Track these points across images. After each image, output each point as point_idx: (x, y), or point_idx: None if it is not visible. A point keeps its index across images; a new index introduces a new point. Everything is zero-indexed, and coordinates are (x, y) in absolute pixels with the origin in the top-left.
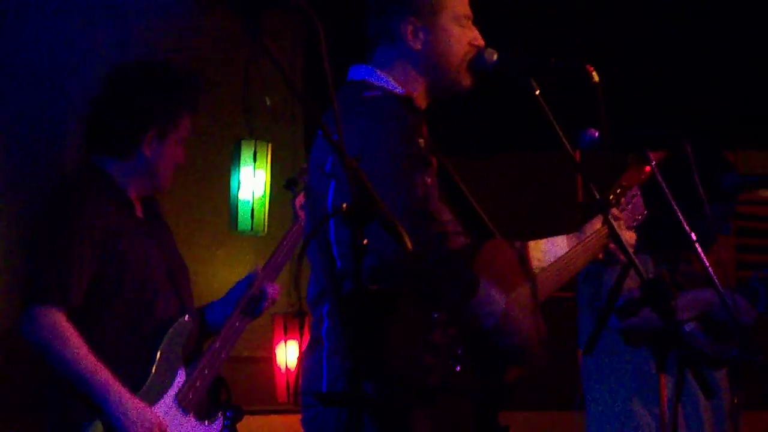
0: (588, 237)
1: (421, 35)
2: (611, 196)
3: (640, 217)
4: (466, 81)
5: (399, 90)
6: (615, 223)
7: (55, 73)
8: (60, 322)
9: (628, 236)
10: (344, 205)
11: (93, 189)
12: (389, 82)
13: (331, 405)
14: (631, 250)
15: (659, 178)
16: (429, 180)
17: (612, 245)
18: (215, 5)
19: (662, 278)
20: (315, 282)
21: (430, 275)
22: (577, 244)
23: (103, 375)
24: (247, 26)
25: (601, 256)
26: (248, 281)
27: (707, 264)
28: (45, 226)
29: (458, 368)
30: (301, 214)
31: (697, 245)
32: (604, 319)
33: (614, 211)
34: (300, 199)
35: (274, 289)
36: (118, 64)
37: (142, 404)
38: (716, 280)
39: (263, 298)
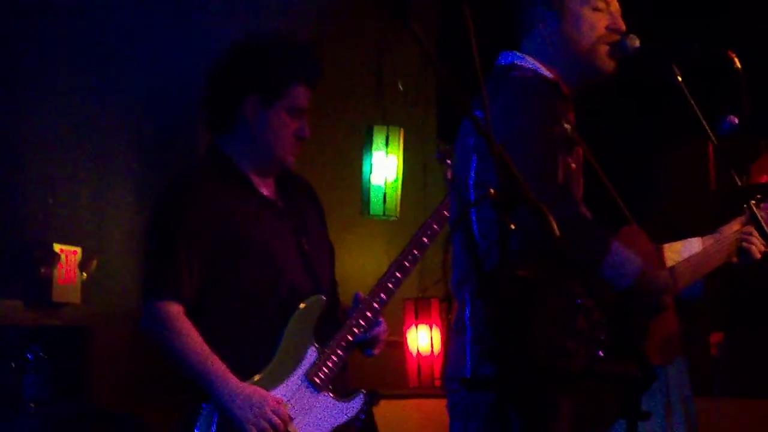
0: (724, 237)
1: (550, 22)
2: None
3: None
4: (607, 66)
5: (547, 74)
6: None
7: (188, 59)
8: (172, 315)
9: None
10: (491, 191)
11: (205, 175)
12: (538, 66)
13: (475, 390)
14: None
15: None
16: (573, 165)
17: (745, 244)
18: None
19: None
20: (456, 267)
21: (563, 238)
22: (713, 244)
23: (211, 365)
24: (395, 10)
25: (735, 259)
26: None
27: None
28: (155, 221)
29: (601, 354)
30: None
31: None
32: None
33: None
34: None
35: (381, 327)
36: (234, 40)
37: (251, 389)
38: None
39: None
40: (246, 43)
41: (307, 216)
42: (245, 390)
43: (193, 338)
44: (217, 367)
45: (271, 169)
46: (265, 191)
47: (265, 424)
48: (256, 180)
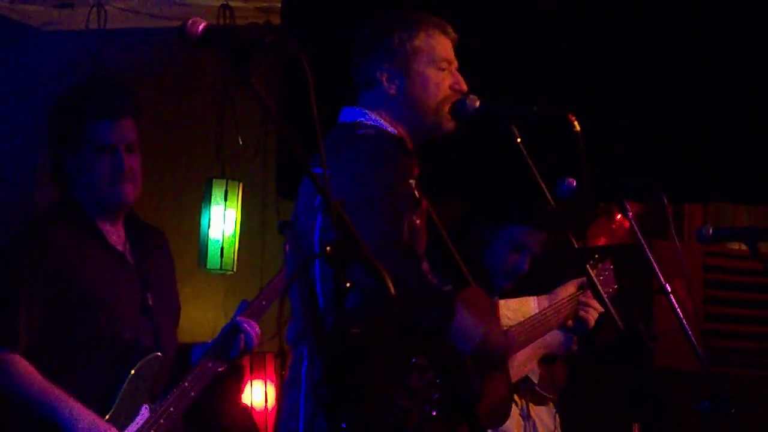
0: (561, 300)
1: (396, 81)
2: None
3: (610, 290)
4: (448, 125)
5: (391, 130)
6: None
7: (26, 107)
8: (9, 361)
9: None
10: (328, 248)
11: (52, 222)
12: (381, 122)
13: None
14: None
15: (636, 228)
16: (418, 221)
17: (582, 312)
18: (201, 45)
19: (637, 328)
20: (295, 322)
21: (409, 304)
22: (549, 306)
23: (53, 393)
24: (236, 67)
25: (570, 323)
26: (232, 320)
27: None
28: None
29: (434, 413)
30: None
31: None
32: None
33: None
34: None
35: (252, 328)
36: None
37: (93, 415)
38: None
39: (239, 336)
40: (55, 100)
41: (156, 270)
42: (90, 416)
43: (32, 375)
44: (61, 394)
45: (111, 210)
46: (114, 241)
47: None
48: (105, 227)
